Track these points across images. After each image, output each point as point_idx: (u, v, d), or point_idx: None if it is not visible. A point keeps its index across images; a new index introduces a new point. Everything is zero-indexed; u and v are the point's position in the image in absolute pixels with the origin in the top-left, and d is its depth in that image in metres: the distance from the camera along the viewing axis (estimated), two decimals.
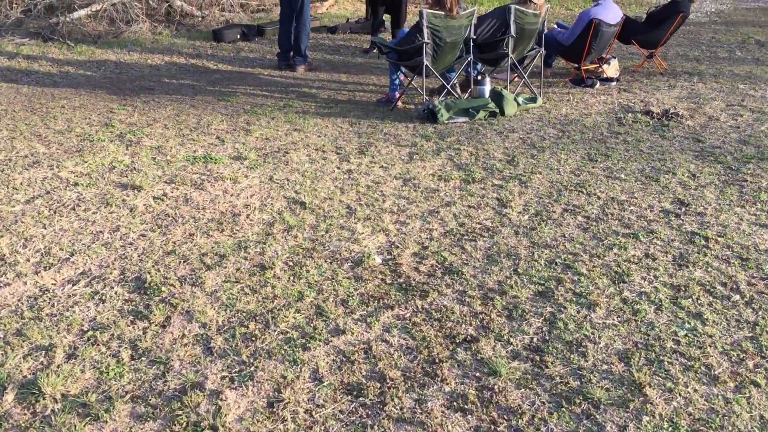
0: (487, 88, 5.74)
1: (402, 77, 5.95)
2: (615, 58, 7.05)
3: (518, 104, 5.68)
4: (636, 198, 3.82)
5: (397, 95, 5.86)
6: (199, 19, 9.53)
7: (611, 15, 6.44)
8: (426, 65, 5.40)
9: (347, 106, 5.83)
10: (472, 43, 5.64)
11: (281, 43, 7.24)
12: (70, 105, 5.64)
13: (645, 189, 3.95)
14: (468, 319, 2.66)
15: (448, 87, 5.71)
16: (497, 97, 5.53)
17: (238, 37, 8.58)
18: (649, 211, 3.65)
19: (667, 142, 4.79)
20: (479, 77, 5.82)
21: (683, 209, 3.66)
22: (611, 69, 6.86)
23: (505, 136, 4.96)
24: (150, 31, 8.60)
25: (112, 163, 4.29)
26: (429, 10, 5.29)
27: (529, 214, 3.63)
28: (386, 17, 8.17)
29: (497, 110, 5.43)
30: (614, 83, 6.70)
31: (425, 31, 5.28)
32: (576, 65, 6.72)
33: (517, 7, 5.66)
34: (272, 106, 5.77)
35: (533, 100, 5.85)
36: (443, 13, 5.31)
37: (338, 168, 4.30)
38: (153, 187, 3.90)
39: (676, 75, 7.04)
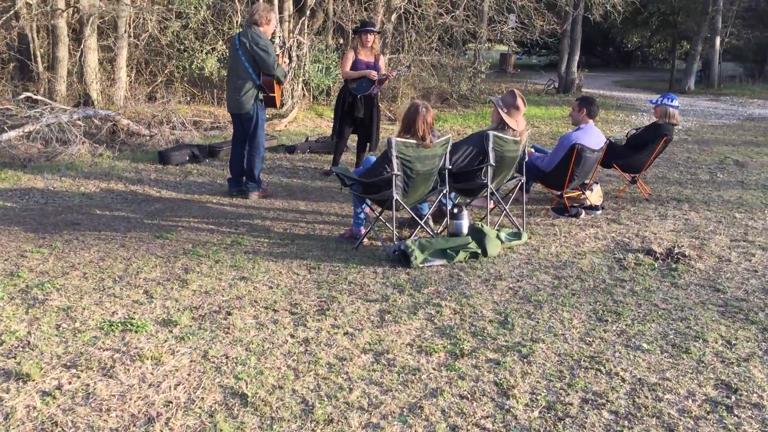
0: (465, 223, 5.04)
1: (368, 210, 5.23)
2: (597, 183, 6.51)
3: (501, 241, 4.97)
4: (669, 380, 3.03)
5: (363, 231, 5.11)
6: (147, 138, 8.84)
7: (594, 140, 5.93)
8: (396, 199, 4.70)
9: (305, 243, 5.05)
10: (446, 173, 4.99)
11: (233, 167, 6.53)
12: None
13: (676, 365, 3.16)
14: None
15: (422, 223, 5.00)
16: (478, 234, 4.82)
17: (187, 158, 7.86)
18: (691, 401, 2.85)
19: (683, 293, 4.08)
20: (455, 210, 5.13)
21: (733, 398, 2.87)
22: (594, 195, 6.29)
23: (492, 285, 4.19)
24: (89, 153, 7.83)
25: (1, 335, 3.35)
26: (399, 139, 4.65)
27: (539, 407, 2.80)
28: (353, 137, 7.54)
29: (479, 251, 4.70)
30: (599, 212, 6.11)
31: (394, 161, 4.62)
32: (558, 193, 6.13)
33: (495, 133, 5.07)
34: (218, 244, 4.94)
35: (517, 235, 5.16)
36: (415, 141, 4.67)
37: (292, 336, 3.43)
38: (45, 376, 2.96)
39: (663, 202, 6.50)
